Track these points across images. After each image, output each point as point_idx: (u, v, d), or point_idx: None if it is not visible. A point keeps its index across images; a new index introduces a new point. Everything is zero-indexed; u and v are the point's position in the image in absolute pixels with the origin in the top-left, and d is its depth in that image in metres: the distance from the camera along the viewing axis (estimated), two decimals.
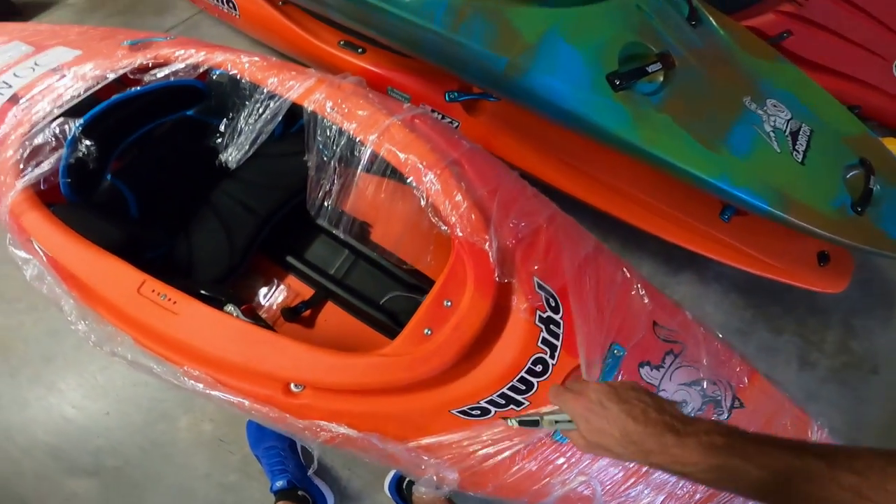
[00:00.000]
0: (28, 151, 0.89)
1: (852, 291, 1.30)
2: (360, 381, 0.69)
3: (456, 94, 1.17)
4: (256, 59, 0.99)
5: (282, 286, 1.20)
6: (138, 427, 1.31)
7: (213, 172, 1.10)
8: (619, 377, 0.79)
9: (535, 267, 0.76)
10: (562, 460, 0.77)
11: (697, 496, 0.81)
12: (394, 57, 1.21)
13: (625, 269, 0.85)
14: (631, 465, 0.79)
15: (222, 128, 1.05)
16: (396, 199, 1.05)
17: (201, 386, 0.77)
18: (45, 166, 0.88)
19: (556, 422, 0.63)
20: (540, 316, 0.74)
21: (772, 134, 0.94)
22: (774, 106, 0.99)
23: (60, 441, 1.32)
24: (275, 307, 1.19)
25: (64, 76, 1.00)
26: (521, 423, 0.67)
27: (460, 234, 0.74)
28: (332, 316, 1.17)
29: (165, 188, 1.11)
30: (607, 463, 0.79)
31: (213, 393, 0.77)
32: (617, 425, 0.54)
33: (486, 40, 0.89)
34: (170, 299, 0.77)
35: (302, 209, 1.11)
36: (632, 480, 0.80)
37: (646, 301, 0.85)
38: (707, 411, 0.84)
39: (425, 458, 0.75)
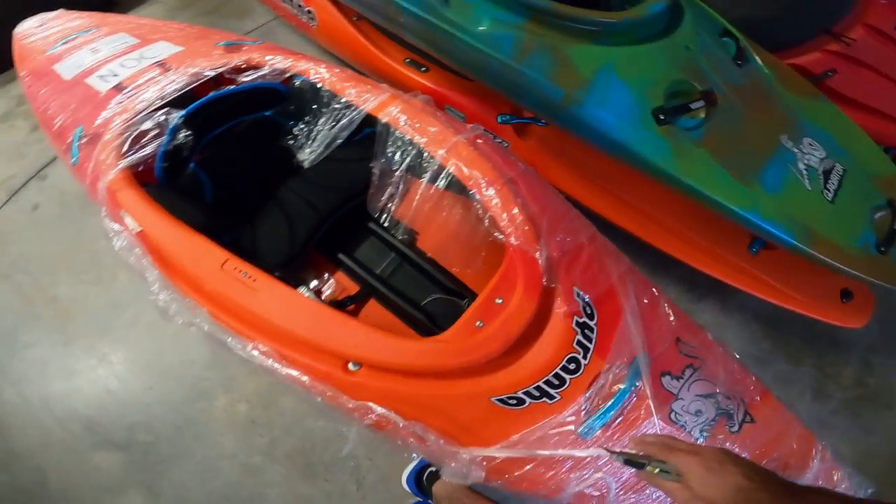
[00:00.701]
0: (133, 136, 1.01)
1: (873, 329, 1.34)
2: (415, 362, 0.78)
3: (508, 116, 1.28)
4: (337, 70, 1.11)
5: (331, 280, 1.29)
6: (177, 404, 1.39)
7: (282, 170, 1.23)
8: (643, 382, 0.86)
9: (576, 278, 0.85)
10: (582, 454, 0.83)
11: None
12: (453, 77, 1.33)
13: (654, 289, 0.94)
14: None
15: (296, 130, 1.18)
16: (445, 211, 1.15)
17: (270, 361, 0.86)
18: (147, 150, 1.00)
19: (663, 471, 0.61)
20: (577, 321, 0.83)
21: (804, 172, 1.01)
22: (810, 144, 1.05)
23: (98, 414, 1.39)
24: (322, 299, 1.29)
25: (169, 70, 1.13)
26: (626, 462, 0.65)
27: (514, 242, 0.83)
28: (374, 312, 1.25)
29: (238, 180, 1.22)
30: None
31: (278, 367, 0.85)
32: (733, 482, 0.54)
33: (546, 72, 0.99)
34: (250, 277, 0.88)
35: (357, 211, 1.24)
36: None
37: (671, 319, 0.93)
38: (720, 423, 0.90)
39: (461, 452, 0.82)
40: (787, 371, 1.36)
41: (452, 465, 0.83)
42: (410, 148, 1.04)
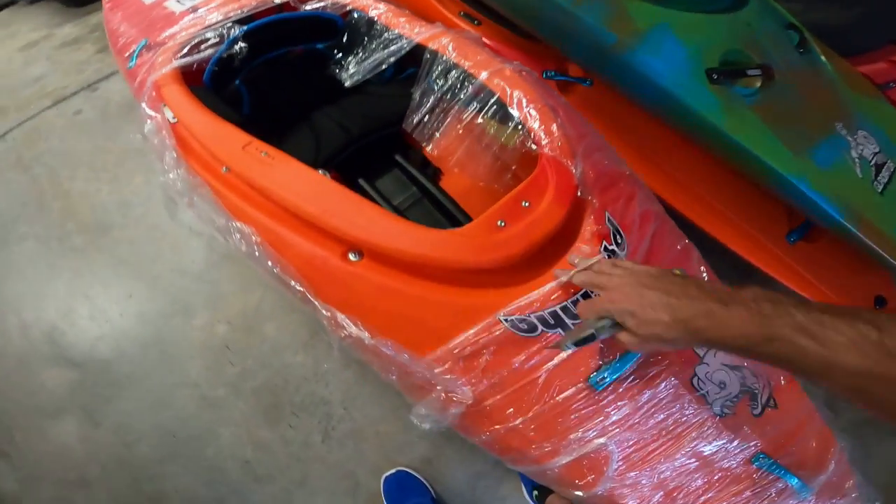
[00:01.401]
0: (193, 43, 1.06)
1: None
2: (427, 252, 0.72)
3: (553, 73, 1.26)
4: (394, 7, 1.15)
5: None
6: (152, 317, 1.33)
7: (319, 100, 1.25)
8: None
9: (609, 203, 0.79)
10: (586, 411, 0.76)
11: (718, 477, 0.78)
12: (504, 32, 1.33)
13: (687, 241, 0.88)
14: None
15: (344, 60, 1.19)
16: (476, 157, 1.12)
17: (255, 242, 0.82)
18: (203, 54, 1.05)
19: (609, 326, 0.59)
20: (605, 247, 0.76)
21: (857, 160, 0.99)
22: (865, 137, 1.04)
23: (64, 323, 1.34)
24: None
25: None
26: (576, 343, 0.63)
27: (549, 152, 0.79)
28: None
29: (277, 102, 1.25)
30: (633, 425, 0.78)
31: (264, 251, 0.82)
32: (666, 311, 0.52)
33: (601, 18, 0.98)
34: (269, 156, 0.85)
35: (386, 144, 1.22)
36: (653, 455, 0.78)
37: (704, 275, 0.86)
38: (743, 401, 0.82)
39: (437, 370, 0.75)
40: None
41: (427, 401, 0.76)
42: (454, 73, 1.02)
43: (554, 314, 0.73)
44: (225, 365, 1.26)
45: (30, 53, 2.03)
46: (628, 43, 0.96)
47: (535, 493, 1.15)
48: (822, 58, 1.12)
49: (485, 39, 1.34)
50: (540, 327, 0.73)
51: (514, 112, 0.86)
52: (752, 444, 0.77)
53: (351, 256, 0.77)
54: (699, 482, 0.77)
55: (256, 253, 0.83)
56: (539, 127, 0.82)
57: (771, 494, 0.78)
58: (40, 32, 2.18)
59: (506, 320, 0.73)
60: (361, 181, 1.23)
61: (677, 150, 1.13)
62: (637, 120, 1.13)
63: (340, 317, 0.76)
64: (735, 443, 0.77)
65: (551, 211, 0.73)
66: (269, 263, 0.82)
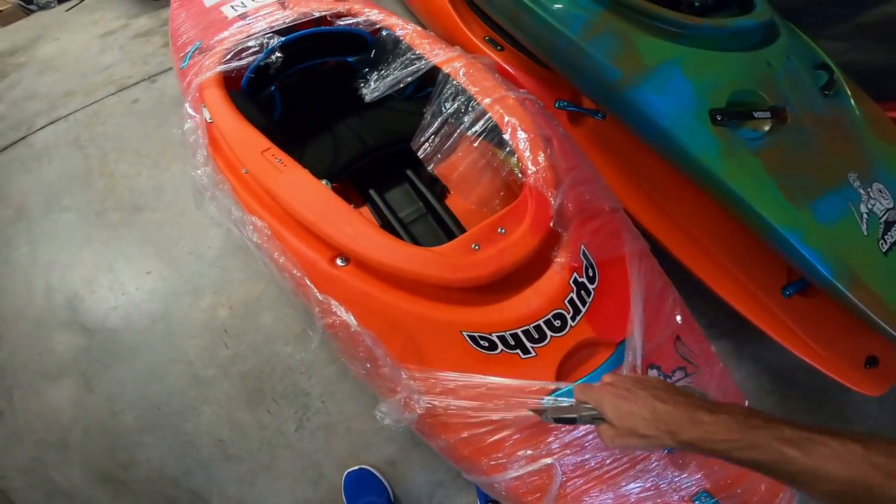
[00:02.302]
0: (236, 50, 1.15)
1: (883, 412, 1.26)
2: (404, 265, 0.76)
3: (566, 103, 1.28)
4: (420, 30, 1.22)
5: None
6: (163, 294, 1.42)
7: (345, 110, 1.34)
8: (624, 370, 0.80)
9: (586, 236, 0.81)
10: (536, 430, 0.77)
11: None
12: (524, 59, 1.36)
13: (667, 281, 0.88)
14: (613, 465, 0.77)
15: (369, 75, 1.26)
16: (481, 178, 1.17)
17: (259, 235, 0.89)
18: (243, 61, 1.14)
19: (590, 416, 0.61)
20: (575, 278, 0.79)
21: (865, 216, 0.94)
22: (880, 191, 0.98)
23: (85, 291, 1.44)
24: None
25: (286, 7, 1.30)
26: (556, 420, 0.65)
27: (533, 182, 0.82)
28: None
29: (306, 110, 1.33)
30: (580, 450, 0.79)
31: (265, 243, 0.88)
32: (646, 406, 0.54)
33: (608, 54, 0.99)
34: (283, 163, 0.92)
35: (399, 158, 1.28)
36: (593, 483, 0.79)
37: (677, 317, 0.87)
38: None
39: (404, 375, 0.79)
40: None
41: (390, 401, 0.79)
42: (462, 97, 1.07)
43: (515, 336, 0.76)
44: (220, 347, 1.34)
45: (106, 41, 2.20)
46: (632, 80, 0.97)
47: None
48: (851, 101, 1.07)
49: (506, 66, 1.39)
50: (500, 346, 0.76)
51: (508, 139, 0.90)
52: (696, 481, 0.77)
53: (338, 262, 0.82)
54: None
55: (263, 245, 0.90)
56: (527, 156, 0.85)
57: None
58: (120, 21, 2.34)
59: (468, 336, 0.77)
60: (372, 192, 1.30)
61: (680, 191, 1.13)
62: (644, 157, 1.13)
63: (334, 302, 0.81)
64: (679, 479, 0.77)
65: (524, 239, 0.76)
66: (275, 255, 0.89)
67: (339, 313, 0.81)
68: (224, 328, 1.36)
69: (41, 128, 1.82)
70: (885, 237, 0.95)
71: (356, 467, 1.22)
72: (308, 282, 0.83)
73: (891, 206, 0.98)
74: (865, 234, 0.93)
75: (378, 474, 1.22)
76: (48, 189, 1.65)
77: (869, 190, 0.97)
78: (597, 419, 0.60)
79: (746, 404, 0.90)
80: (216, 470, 1.24)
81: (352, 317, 0.80)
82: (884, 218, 0.96)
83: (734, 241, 1.11)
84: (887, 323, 0.89)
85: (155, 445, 1.27)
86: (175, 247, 1.49)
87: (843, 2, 1.24)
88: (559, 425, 0.72)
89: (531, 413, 0.71)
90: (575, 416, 0.62)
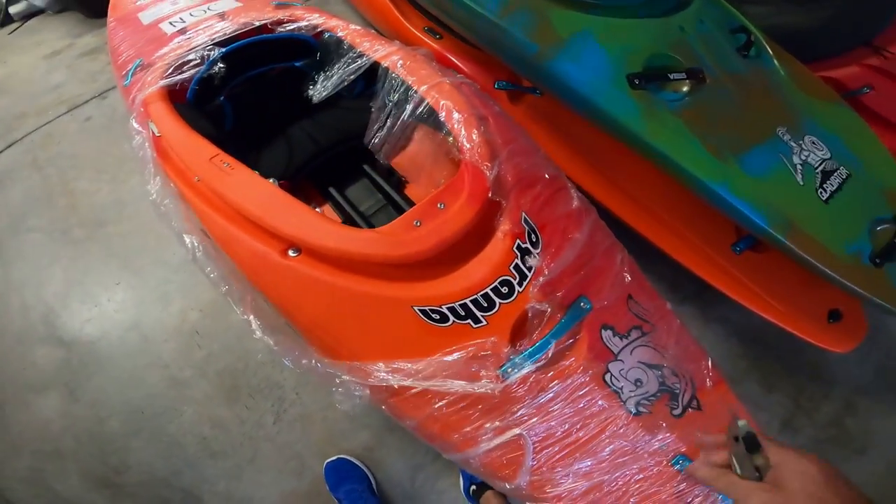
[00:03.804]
0: (177, 64, 1.15)
1: (867, 372, 1.28)
2: (350, 248, 0.78)
3: (505, 83, 1.31)
4: (360, 29, 1.24)
5: (318, 209, 1.35)
6: (134, 302, 1.44)
7: (297, 114, 1.35)
8: (581, 330, 0.82)
9: (526, 204, 0.84)
10: (496, 401, 0.79)
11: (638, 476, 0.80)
12: (462, 46, 1.39)
13: (615, 242, 0.91)
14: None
15: (316, 77, 1.28)
16: (429, 161, 1.20)
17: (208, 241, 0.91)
18: (185, 74, 1.14)
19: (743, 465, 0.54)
20: (519, 245, 0.81)
21: (799, 167, 0.97)
22: (812, 143, 1.01)
23: (60, 306, 1.46)
24: None
25: (224, 19, 1.30)
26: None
27: (468, 158, 0.84)
28: None
29: (258, 117, 1.35)
30: (546, 417, 0.81)
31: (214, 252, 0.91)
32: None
33: (525, 30, 1.01)
34: (230, 167, 0.94)
35: (355, 154, 1.31)
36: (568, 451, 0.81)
37: (627, 277, 0.89)
38: (661, 400, 0.84)
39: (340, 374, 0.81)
40: (758, 395, 1.27)
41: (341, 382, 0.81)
42: (402, 87, 1.09)
43: (464, 306, 0.79)
44: (193, 348, 1.37)
45: (53, 62, 2.20)
46: (548, 52, 1.00)
47: (474, 487, 1.18)
48: (775, 61, 1.10)
49: (446, 53, 1.41)
50: (451, 318, 0.79)
51: (443, 121, 0.92)
52: (670, 444, 0.79)
53: (290, 253, 0.84)
54: (620, 481, 0.79)
55: (201, 255, 0.92)
56: (462, 134, 0.87)
57: (691, 501, 0.79)
58: (64, 41, 2.34)
59: (419, 311, 0.79)
60: (332, 190, 1.32)
61: (621, 158, 1.15)
62: (582, 128, 1.15)
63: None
64: (652, 442, 0.79)
65: (462, 211, 0.79)
66: (217, 263, 0.91)
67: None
68: (196, 330, 1.39)
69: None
70: (824, 186, 0.98)
71: (335, 457, 1.25)
72: (268, 288, 0.86)
73: (827, 156, 1.01)
74: (801, 183, 0.97)
75: (357, 462, 1.25)
76: (12, 211, 1.67)
77: (801, 143, 1.01)
78: (752, 470, 0.52)
79: (710, 361, 0.91)
80: (203, 467, 1.27)
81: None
82: (819, 168, 0.99)
83: (680, 202, 1.13)
84: (836, 271, 0.92)
85: (142, 448, 1.30)
86: (140, 256, 1.51)
87: None
88: None
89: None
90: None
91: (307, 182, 1.36)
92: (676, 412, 0.85)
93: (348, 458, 1.26)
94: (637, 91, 0.94)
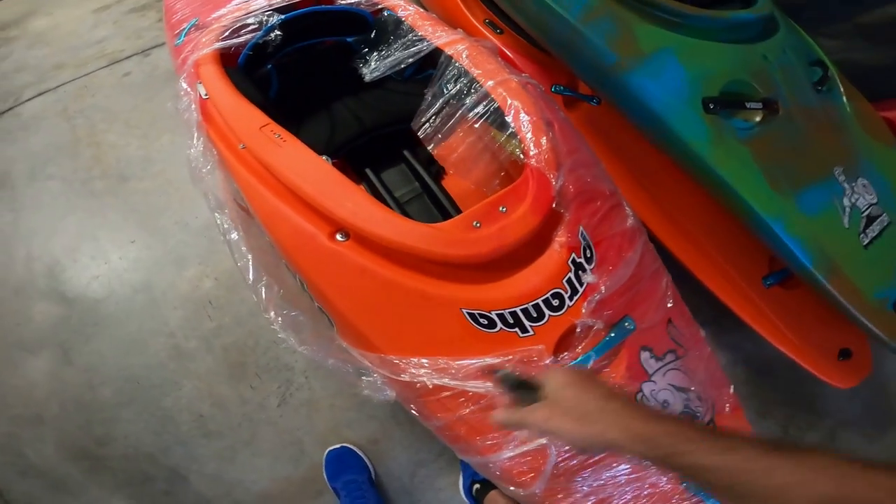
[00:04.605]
0: (235, 27, 1.12)
1: (856, 406, 1.32)
2: (405, 241, 0.76)
3: (562, 88, 1.29)
4: (422, 10, 1.21)
5: None
6: (147, 264, 1.38)
7: (344, 90, 1.32)
8: (621, 349, 0.82)
9: (585, 218, 0.83)
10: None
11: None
12: (523, 43, 1.36)
13: (661, 265, 0.91)
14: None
15: (369, 55, 1.24)
16: (480, 161, 1.17)
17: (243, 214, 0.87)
18: (241, 38, 1.11)
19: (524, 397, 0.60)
20: (574, 259, 0.81)
21: (847, 209, 0.99)
22: (864, 186, 1.02)
23: (67, 259, 1.40)
24: None
25: None
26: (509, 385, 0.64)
27: (535, 163, 0.83)
28: None
29: (303, 89, 1.31)
30: None
31: (259, 222, 0.88)
32: (597, 398, 0.54)
33: (605, 38, 1.00)
34: (282, 138, 0.91)
35: (397, 139, 1.28)
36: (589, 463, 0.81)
37: (669, 301, 0.90)
38: None
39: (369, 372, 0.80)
40: (752, 419, 1.28)
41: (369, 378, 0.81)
42: (464, 79, 1.07)
43: (514, 314, 0.78)
44: (203, 319, 1.31)
45: (100, 16, 2.12)
46: (628, 64, 0.98)
47: (477, 486, 1.19)
48: (843, 98, 1.11)
49: (505, 49, 1.39)
50: (499, 324, 0.78)
51: (510, 121, 0.90)
52: None
53: (338, 237, 0.82)
54: (628, 496, 0.81)
55: (258, 220, 0.89)
56: (530, 138, 0.86)
57: None
58: None
59: (468, 313, 0.78)
60: (368, 171, 1.29)
61: (670, 179, 1.15)
62: (636, 144, 1.14)
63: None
64: None
65: (525, 218, 0.77)
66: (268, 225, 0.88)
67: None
68: (208, 299, 1.34)
69: (29, 99, 1.75)
70: (867, 231, 1.00)
71: (338, 445, 1.23)
72: (311, 272, 0.83)
73: (874, 201, 1.03)
74: (847, 226, 0.98)
75: (360, 452, 1.24)
76: (33, 158, 1.60)
77: (853, 185, 1.02)
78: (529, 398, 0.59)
79: (732, 390, 0.93)
80: (195, 447, 1.24)
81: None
82: (866, 213, 1.01)
83: (720, 231, 1.14)
84: (863, 314, 0.94)
85: (132, 421, 1.25)
86: (161, 216, 1.45)
87: (845, 0, 1.26)
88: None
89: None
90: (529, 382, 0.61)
91: (343, 160, 1.33)
92: None
93: (351, 447, 1.25)
94: (709, 115, 0.94)
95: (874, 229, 1.01)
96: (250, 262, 0.88)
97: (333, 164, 0.98)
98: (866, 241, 0.99)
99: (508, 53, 1.37)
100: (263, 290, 0.87)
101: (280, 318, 0.85)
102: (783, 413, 1.35)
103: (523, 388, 0.62)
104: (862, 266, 0.97)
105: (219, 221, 0.90)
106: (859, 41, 1.27)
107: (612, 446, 0.52)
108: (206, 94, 1.02)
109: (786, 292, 1.13)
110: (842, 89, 1.11)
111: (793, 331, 1.10)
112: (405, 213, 1.24)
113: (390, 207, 1.22)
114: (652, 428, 0.50)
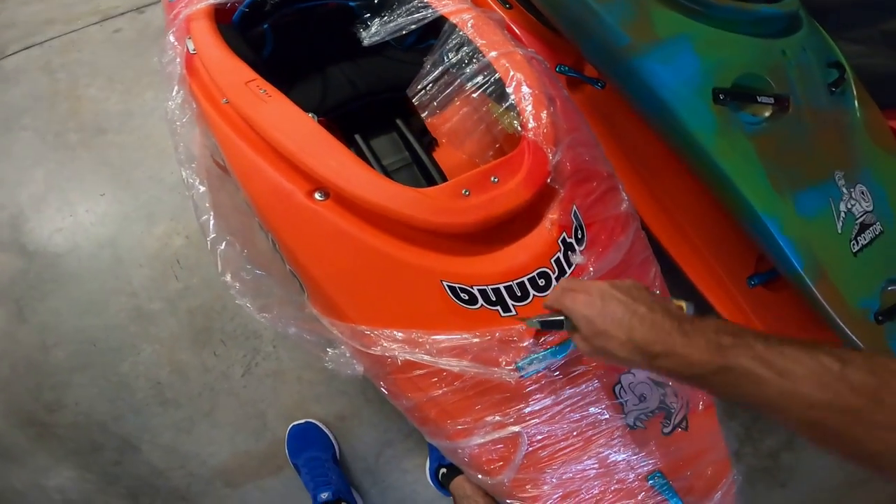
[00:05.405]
0: None
1: None
2: (389, 204, 0.72)
3: (567, 68, 1.26)
4: None
5: None
6: (115, 218, 1.31)
7: (341, 54, 1.27)
8: None
9: (579, 197, 0.80)
10: (507, 395, 0.77)
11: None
12: (531, 20, 1.33)
13: (651, 253, 0.88)
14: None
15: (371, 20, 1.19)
16: (473, 130, 1.13)
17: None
18: None
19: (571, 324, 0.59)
20: (564, 238, 0.77)
21: (843, 214, 0.98)
22: (861, 193, 1.02)
23: (32, 210, 1.33)
24: None
25: None
26: (543, 325, 0.65)
27: (532, 137, 0.79)
28: None
29: (298, 50, 1.26)
30: (548, 419, 0.78)
31: (235, 178, 0.84)
32: (622, 329, 0.51)
33: (621, 19, 0.96)
34: (267, 94, 0.86)
35: (390, 107, 1.23)
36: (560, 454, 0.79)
37: (656, 292, 0.87)
38: (657, 417, 0.84)
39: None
40: (720, 420, 1.31)
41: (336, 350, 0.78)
42: (467, 49, 1.02)
43: (497, 291, 0.74)
44: (170, 279, 1.25)
45: None
46: (640, 47, 0.95)
47: (444, 471, 1.16)
48: (855, 103, 1.10)
49: (512, 24, 1.34)
50: (480, 301, 0.74)
51: (511, 93, 0.86)
52: (652, 461, 0.79)
53: (317, 195, 0.77)
54: (596, 490, 0.79)
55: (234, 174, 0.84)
56: (530, 111, 0.82)
57: None
58: None
59: (448, 286, 0.74)
60: (357, 136, 1.24)
61: (668, 170, 1.13)
62: (637, 131, 1.12)
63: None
64: (638, 457, 0.78)
65: (517, 190, 0.73)
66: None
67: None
68: (177, 258, 1.27)
69: (13, 53, 1.67)
70: (858, 238, 0.99)
71: (302, 420, 1.19)
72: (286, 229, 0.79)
73: (870, 209, 1.02)
74: (840, 232, 0.97)
75: (325, 429, 1.19)
76: (8, 109, 1.51)
77: (852, 190, 1.01)
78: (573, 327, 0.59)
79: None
80: (150, 416, 1.18)
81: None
82: (860, 220, 1.00)
83: (711, 226, 1.13)
84: (844, 322, 0.93)
85: (85, 386, 1.19)
86: (135, 170, 1.38)
87: (872, 6, 1.26)
88: (544, 331, 0.72)
89: (520, 320, 0.70)
90: (562, 318, 0.60)
91: (332, 124, 1.28)
92: (666, 430, 0.85)
93: (317, 423, 1.20)
94: (718, 106, 0.91)
95: (865, 237, 1.00)
96: (212, 219, 0.82)
97: (322, 121, 0.94)
98: (856, 249, 0.98)
99: (515, 29, 1.33)
100: (222, 249, 0.81)
101: (238, 283, 0.80)
102: (749, 416, 1.36)
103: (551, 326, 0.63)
104: (849, 273, 0.96)
105: (184, 175, 0.84)
106: (882, 48, 1.26)
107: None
108: (194, 49, 0.97)
109: (768, 293, 1.12)
110: (855, 93, 1.10)
111: (771, 333, 1.09)
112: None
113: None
114: (672, 359, 0.49)
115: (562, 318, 0.60)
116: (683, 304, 0.60)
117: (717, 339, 0.46)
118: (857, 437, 0.38)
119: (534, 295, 0.75)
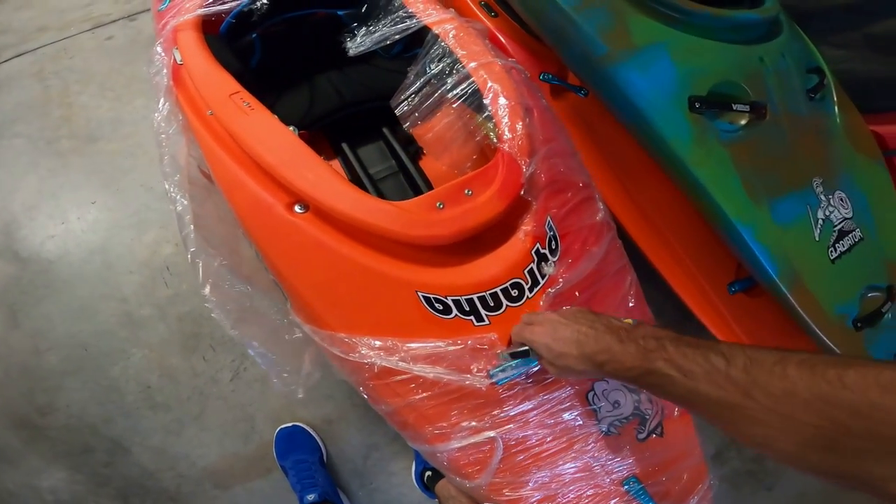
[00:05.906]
0: None
1: None
2: (364, 217, 0.74)
3: (550, 76, 1.26)
4: None
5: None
6: (106, 225, 1.34)
7: (327, 64, 1.28)
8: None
9: (553, 208, 0.81)
10: (482, 401, 0.78)
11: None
12: (516, 28, 1.33)
13: (627, 264, 0.89)
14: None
15: (356, 29, 1.20)
16: (455, 139, 1.14)
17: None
18: (226, 6, 1.06)
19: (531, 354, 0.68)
20: (538, 249, 0.78)
21: (820, 222, 0.98)
22: (840, 199, 1.01)
23: (25, 217, 1.35)
24: None
25: None
26: (511, 355, 0.72)
27: (507, 149, 0.80)
28: None
29: (286, 60, 1.27)
30: (523, 425, 0.80)
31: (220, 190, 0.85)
32: (574, 346, 0.59)
33: (598, 28, 0.97)
34: (250, 107, 0.87)
35: (377, 116, 1.24)
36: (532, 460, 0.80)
37: (631, 301, 0.88)
38: (631, 424, 0.85)
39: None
40: (703, 424, 1.31)
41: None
42: (448, 59, 1.04)
43: (470, 301, 0.75)
44: (160, 285, 1.27)
45: None
46: (617, 56, 0.96)
47: (429, 474, 1.17)
48: (835, 108, 1.09)
49: (497, 33, 1.36)
50: (454, 311, 0.75)
51: (488, 104, 0.87)
52: (627, 466, 0.80)
53: (297, 208, 0.78)
54: (572, 494, 0.80)
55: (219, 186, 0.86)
56: (505, 123, 0.83)
57: None
58: None
59: (423, 297, 0.75)
60: (344, 145, 1.25)
61: (650, 177, 1.13)
62: (619, 139, 1.13)
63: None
64: (613, 462, 0.80)
65: (490, 203, 0.75)
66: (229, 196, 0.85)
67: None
68: (167, 265, 1.30)
69: (5, 60, 1.69)
70: (836, 245, 0.99)
71: (290, 424, 1.21)
72: (267, 238, 0.80)
73: (849, 215, 1.02)
74: (817, 239, 0.97)
75: (312, 432, 1.21)
76: (1, 116, 1.53)
77: (830, 197, 1.01)
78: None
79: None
80: (140, 418, 1.20)
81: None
82: (839, 227, 1.00)
83: (692, 233, 1.13)
84: (821, 329, 0.93)
85: (77, 389, 1.21)
86: (126, 178, 1.40)
87: (855, 9, 1.24)
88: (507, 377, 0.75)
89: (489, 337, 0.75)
90: (526, 348, 0.69)
91: (320, 133, 1.29)
92: (641, 436, 0.86)
93: (304, 426, 1.22)
94: (694, 114, 0.92)
95: (844, 244, 1.00)
96: (191, 234, 0.84)
97: (309, 137, 0.95)
98: (834, 256, 0.98)
99: (501, 38, 1.34)
100: (201, 263, 0.83)
101: (215, 297, 0.82)
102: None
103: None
104: (826, 281, 0.97)
105: (167, 188, 0.86)
106: (866, 52, 1.25)
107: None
108: (180, 60, 0.98)
109: (749, 300, 1.13)
110: (835, 99, 1.10)
111: (752, 339, 1.10)
112: (378, 191, 1.20)
113: (364, 183, 1.21)
114: (613, 364, 0.55)
115: (526, 348, 0.68)
116: (630, 321, 0.65)
117: (644, 345, 0.52)
118: (742, 430, 0.42)
119: (507, 305, 0.77)
